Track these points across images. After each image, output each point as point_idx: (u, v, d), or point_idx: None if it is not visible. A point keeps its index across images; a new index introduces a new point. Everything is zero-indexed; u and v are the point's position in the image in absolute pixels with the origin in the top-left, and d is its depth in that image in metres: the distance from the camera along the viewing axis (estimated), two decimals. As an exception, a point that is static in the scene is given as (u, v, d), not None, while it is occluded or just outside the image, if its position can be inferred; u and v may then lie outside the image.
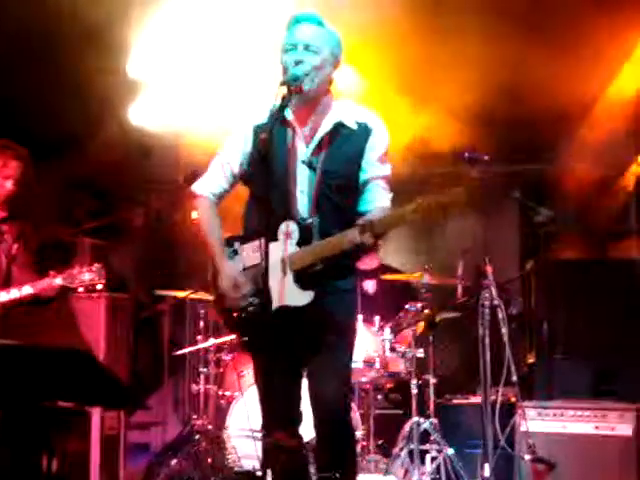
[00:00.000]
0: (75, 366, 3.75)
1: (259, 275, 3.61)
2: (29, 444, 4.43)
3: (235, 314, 3.71)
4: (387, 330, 5.68)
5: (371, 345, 5.63)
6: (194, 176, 5.70)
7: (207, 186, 3.86)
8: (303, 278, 3.59)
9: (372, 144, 3.70)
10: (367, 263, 6.23)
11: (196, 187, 3.90)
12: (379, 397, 5.79)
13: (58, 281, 4.55)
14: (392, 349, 5.69)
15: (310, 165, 3.68)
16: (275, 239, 3.65)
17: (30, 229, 4.92)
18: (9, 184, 4.78)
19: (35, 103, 6.30)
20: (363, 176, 3.70)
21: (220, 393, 5.89)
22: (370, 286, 6.38)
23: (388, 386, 5.87)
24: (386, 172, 3.74)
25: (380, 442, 5.72)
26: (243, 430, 5.35)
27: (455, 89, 6.04)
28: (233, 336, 5.71)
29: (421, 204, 3.41)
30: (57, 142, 6.98)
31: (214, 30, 6.36)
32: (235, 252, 3.76)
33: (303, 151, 3.70)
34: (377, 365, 5.62)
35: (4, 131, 6.50)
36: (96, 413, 5.30)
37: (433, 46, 5.96)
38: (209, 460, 5.49)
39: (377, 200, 3.69)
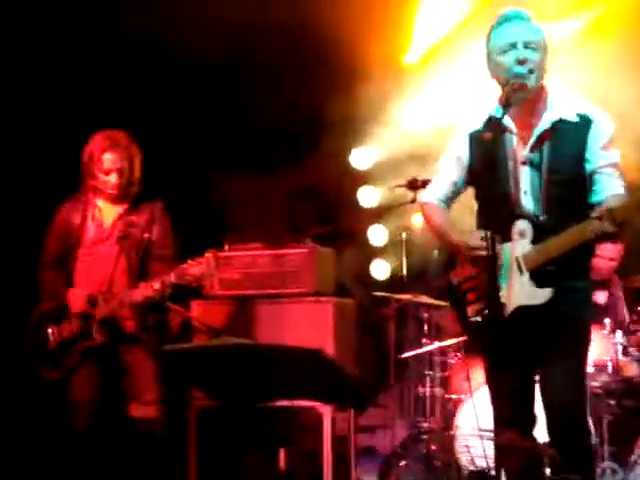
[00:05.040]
0: (313, 365, 3.88)
1: (493, 277, 3.62)
2: (269, 441, 4.60)
3: (471, 317, 3.72)
4: (619, 333, 5.48)
5: (602, 348, 5.45)
6: (413, 184, 5.80)
7: (432, 194, 3.94)
8: (540, 276, 3.56)
9: (595, 134, 3.62)
10: (601, 275, 6.01)
11: (422, 196, 3.98)
12: (612, 403, 5.57)
13: (170, 280, 4.52)
14: (625, 353, 5.48)
15: (532, 164, 3.64)
16: (506, 240, 3.63)
17: (160, 213, 4.86)
18: (113, 178, 4.75)
19: (265, 113, 6.57)
20: (589, 167, 3.62)
21: (446, 396, 5.89)
22: (601, 297, 6.16)
23: (621, 391, 5.64)
24: (614, 159, 3.64)
25: (614, 449, 5.51)
26: (473, 430, 5.32)
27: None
28: (458, 339, 5.73)
29: None
30: (282, 155, 7.26)
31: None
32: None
33: (523, 151, 3.66)
34: (609, 369, 5.43)
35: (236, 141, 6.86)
36: (328, 414, 5.41)
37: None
38: (439, 461, 5.50)
39: (609, 189, 3.59)
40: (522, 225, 3.63)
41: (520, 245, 3.62)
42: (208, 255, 4.58)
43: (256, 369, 3.91)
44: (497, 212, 3.68)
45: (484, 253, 3.54)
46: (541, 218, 3.61)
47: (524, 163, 3.66)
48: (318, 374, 3.93)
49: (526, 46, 3.62)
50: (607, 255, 5.99)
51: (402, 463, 5.61)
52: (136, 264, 4.79)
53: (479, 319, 3.69)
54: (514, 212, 3.65)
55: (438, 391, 5.94)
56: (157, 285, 4.59)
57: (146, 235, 4.82)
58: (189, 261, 4.58)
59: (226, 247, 5.72)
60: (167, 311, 5.06)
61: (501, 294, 3.60)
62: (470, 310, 3.74)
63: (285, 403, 4.51)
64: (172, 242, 4.90)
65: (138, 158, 4.87)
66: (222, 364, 3.95)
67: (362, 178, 7.62)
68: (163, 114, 6.66)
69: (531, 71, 3.60)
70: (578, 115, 3.65)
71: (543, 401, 3.69)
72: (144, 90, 6.51)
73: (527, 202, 3.65)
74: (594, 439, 5.30)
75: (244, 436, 4.93)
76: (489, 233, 3.44)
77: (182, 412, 5.21)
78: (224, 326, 5.60)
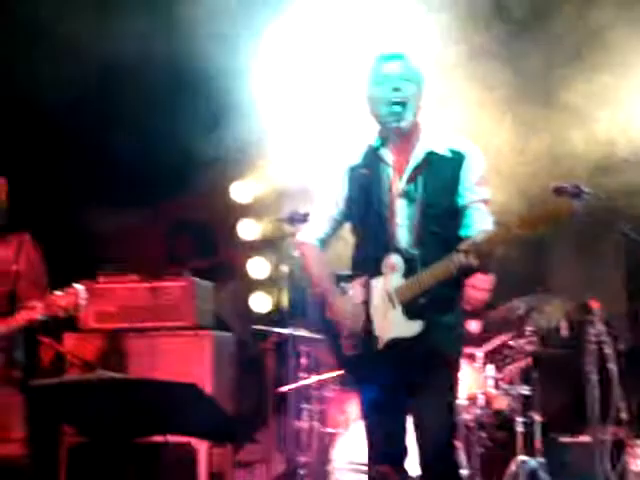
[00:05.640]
0: (187, 400, 3.84)
1: (366, 311, 3.66)
2: (143, 478, 4.51)
3: (345, 352, 3.74)
4: (490, 367, 5.62)
5: (474, 382, 5.58)
6: (294, 218, 5.84)
7: (310, 233, 3.94)
8: (411, 310, 3.61)
9: (467, 169, 3.71)
10: (474, 305, 6.17)
11: (300, 236, 3.98)
12: (483, 435, 5.70)
13: (37, 312, 4.44)
14: (496, 386, 5.62)
15: (407, 197, 3.71)
16: (380, 274, 3.68)
17: (28, 244, 4.78)
18: None
19: (144, 147, 6.52)
20: (461, 202, 3.70)
21: (323, 430, 5.91)
22: (474, 326, 6.31)
23: (492, 424, 5.79)
24: (485, 196, 3.73)
25: (485, 481, 5.63)
26: (348, 464, 5.34)
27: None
28: (335, 373, 5.76)
29: (526, 218, 3.39)
30: (163, 185, 7.20)
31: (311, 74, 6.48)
32: (343, 291, 3.80)
33: (398, 184, 3.73)
34: (481, 402, 5.56)
35: (115, 174, 6.77)
36: (203, 450, 5.36)
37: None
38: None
39: (478, 223, 3.66)
40: (394, 259, 3.67)
41: (392, 279, 3.66)
42: (77, 286, 4.48)
43: (129, 404, 3.84)
44: (371, 246, 3.72)
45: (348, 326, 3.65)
46: (413, 251, 3.67)
47: (400, 195, 3.73)
48: (193, 409, 3.90)
49: (401, 78, 3.71)
50: (481, 286, 6.15)
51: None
52: (5, 297, 4.67)
53: (353, 353, 3.72)
54: (387, 245, 3.71)
55: (315, 425, 5.95)
56: (24, 316, 4.48)
57: (14, 267, 4.71)
58: (57, 292, 4.49)
59: (100, 279, 5.63)
60: (38, 344, 4.93)
61: (374, 328, 3.65)
62: (344, 344, 3.77)
63: (160, 439, 4.42)
64: (41, 273, 4.79)
65: (2, 191, 4.77)
66: (94, 399, 3.87)
67: (242, 211, 7.62)
68: (43, 149, 6.54)
69: (405, 104, 3.68)
70: (450, 150, 3.75)
71: (415, 436, 3.74)
72: (19, 125, 6.38)
73: (401, 235, 3.71)
74: (466, 471, 5.41)
75: (117, 473, 4.82)
76: (365, 279, 3.50)
77: (52, 449, 5.06)
78: (98, 360, 5.50)
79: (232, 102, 6.39)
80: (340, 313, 3.73)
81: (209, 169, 6.93)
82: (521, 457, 5.40)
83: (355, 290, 3.74)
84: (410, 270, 3.64)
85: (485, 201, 3.73)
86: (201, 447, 5.32)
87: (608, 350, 5.11)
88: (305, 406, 5.99)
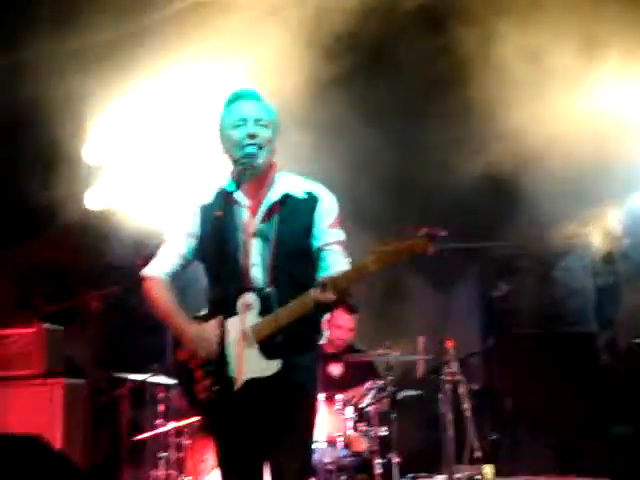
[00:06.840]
0: (29, 453, 3.68)
1: (221, 352, 3.59)
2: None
3: (200, 396, 3.66)
4: (349, 409, 5.62)
5: (333, 424, 5.56)
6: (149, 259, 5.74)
7: (158, 267, 3.84)
8: (268, 348, 3.57)
9: (321, 212, 3.74)
10: (342, 344, 6.22)
11: (147, 270, 3.88)
12: (343, 477, 5.69)
13: None
14: (355, 428, 5.62)
15: (261, 237, 3.69)
16: (235, 314, 3.63)
17: None
18: None
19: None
20: (316, 244, 3.72)
21: (180, 478, 5.77)
22: (336, 370, 6.34)
23: (352, 466, 5.78)
24: (340, 237, 3.75)
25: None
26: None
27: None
28: (193, 419, 5.65)
29: (381, 253, 3.41)
30: (15, 229, 6.96)
31: (162, 116, 6.42)
32: None
33: (253, 224, 3.71)
34: (340, 445, 5.54)
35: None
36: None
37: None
38: None
39: (335, 265, 3.67)
40: (249, 297, 3.63)
41: (248, 317, 3.62)
42: None
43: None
44: (226, 286, 3.66)
45: (204, 353, 3.58)
46: (268, 290, 3.64)
47: (254, 235, 3.70)
48: (36, 462, 3.74)
49: (257, 123, 3.71)
50: (345, 325, 6.20)
51: None
52: None
53: (208, 397, 3.63)
54: (242, 285, 3.66)
55: (172, 473, 5.80)
56: None
57: None
58: None
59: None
60: None
61: (230, 369, 3.59)
62: (199, 388, 3.68)
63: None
64: None
65: None
66: None
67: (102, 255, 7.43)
68: None
69: (261, 147, 3.68)
70: (305, 192, 3.77)
71: (271, 478, 3.68)
72: None
73: (256, 274, 3.67)
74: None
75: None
76: (220, 319, 3.43)
77: None
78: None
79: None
80: (194, 340, 3.64)
81: (62, 213, 6.74)
82: (380, 498, 5.39)
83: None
84: (266, 308, 3.61)
85: (340, 242, 3.76)
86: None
87: (462, 390, 5.18)
88: (162, 454, 5.85)
